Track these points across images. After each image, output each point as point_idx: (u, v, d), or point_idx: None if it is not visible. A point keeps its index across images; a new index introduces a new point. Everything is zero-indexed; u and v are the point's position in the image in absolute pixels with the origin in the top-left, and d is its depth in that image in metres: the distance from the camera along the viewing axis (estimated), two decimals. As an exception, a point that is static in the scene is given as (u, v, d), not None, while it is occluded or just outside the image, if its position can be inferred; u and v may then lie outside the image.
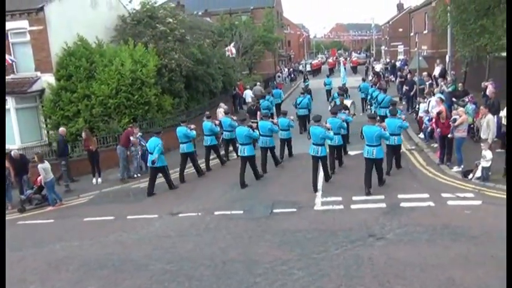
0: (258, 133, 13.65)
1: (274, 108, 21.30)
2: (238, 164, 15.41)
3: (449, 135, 12.33)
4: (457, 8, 16.96)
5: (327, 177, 12.14)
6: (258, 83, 28.80)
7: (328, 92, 27.52)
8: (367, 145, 11.10)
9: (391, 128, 12.13)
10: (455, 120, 12.10)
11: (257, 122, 15.70)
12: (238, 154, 13.47)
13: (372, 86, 21.58)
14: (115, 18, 21.17)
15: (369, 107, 20.32)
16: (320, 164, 11.80)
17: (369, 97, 20.41)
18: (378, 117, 13.19)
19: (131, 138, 14.88)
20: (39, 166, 12.96)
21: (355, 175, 12.69)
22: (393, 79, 33.22)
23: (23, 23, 17.71)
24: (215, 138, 14.88)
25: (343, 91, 20.41)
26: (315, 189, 11.54)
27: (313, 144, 11.66)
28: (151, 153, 12.77)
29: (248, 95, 25.41)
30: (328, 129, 11.75)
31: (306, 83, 26.97)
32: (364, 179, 11.00)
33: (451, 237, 8.04)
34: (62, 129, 15.58)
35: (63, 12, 18.24)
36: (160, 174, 13.17)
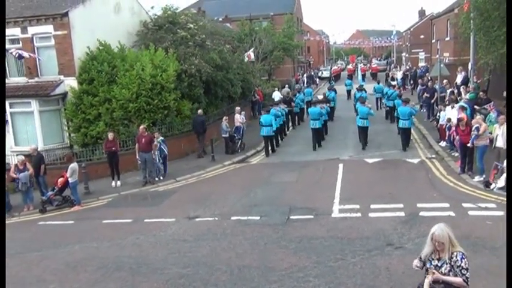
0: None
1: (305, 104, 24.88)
2: (253, 169, 15.65)
3: (468, 145, 12.10)
4: (481, 15, 16.68)
5: (365, 143, 16.93)
6: (286, 85, 32.59)
7: (349, 92, 31.83)
8: (401, 119, 16.36)
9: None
10: (477, 129, 11.85)
11: (292, 109, 22.37)
12: (311, 127, 17.82)
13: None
14: (137, 23, 21.50)
15: (384, 104, 23.83)
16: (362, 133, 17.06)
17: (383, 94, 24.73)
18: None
19: (155, 142, 15.11)
20: (70, 166, 13.23)
21: (373, 183, 12.60)
22: (408, 87, 33.22)
23: (48, 28, 18.11)
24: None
25: (361, 89, 23.85)
26: (363, 147, 16.90)
27: (360, 118, 16.97)
28: (266, 126, 16.93)
29: (277, 95, 27.17)
30: (370, 108, 17.29)
31: (331, 83, 32.58)
32: (401, 142, 16.44)
33: (472, 248, 7.85)
34: (200, 111, 18.16)
35: (87, 18, 18.60)
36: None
